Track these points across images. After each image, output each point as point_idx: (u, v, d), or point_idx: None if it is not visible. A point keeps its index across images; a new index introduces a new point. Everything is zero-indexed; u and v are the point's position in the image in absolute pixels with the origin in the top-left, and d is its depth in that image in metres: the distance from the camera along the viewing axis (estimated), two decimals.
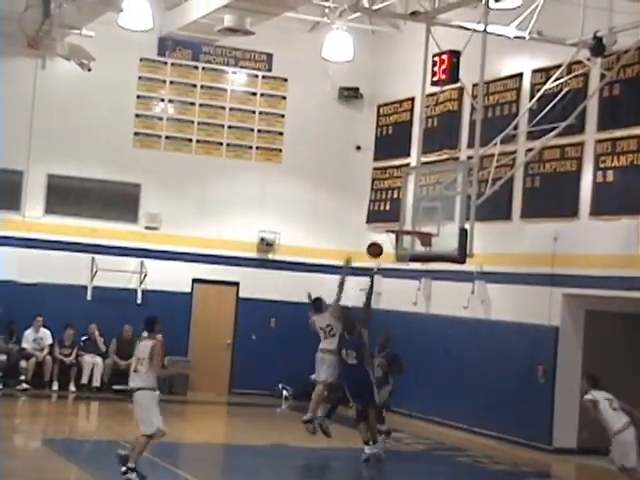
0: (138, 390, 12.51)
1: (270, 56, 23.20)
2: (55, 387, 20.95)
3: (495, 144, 16.89)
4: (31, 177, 21.58)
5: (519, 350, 18.16)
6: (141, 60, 22.53)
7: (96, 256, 21.73)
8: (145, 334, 12.88)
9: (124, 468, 12.29)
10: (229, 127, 23.18)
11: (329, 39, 21.31)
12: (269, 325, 22.92)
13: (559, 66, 17.29)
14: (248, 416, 20.61)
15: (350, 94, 23.62)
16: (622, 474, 14.08)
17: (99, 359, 21.40)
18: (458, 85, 17.62)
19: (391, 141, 22.73)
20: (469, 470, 16.29)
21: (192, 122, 22.91)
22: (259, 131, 23.38)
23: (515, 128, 17.57)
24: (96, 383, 21.22)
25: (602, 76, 16.76)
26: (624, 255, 16.38)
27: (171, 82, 22.83)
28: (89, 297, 21.76)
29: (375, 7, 17.29)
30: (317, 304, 16.69)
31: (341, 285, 16.49)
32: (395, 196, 21.59)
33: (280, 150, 23.48)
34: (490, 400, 18.47)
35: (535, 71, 18.73)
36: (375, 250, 16.07)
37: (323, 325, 16.36)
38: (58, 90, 21.51)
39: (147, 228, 22.43)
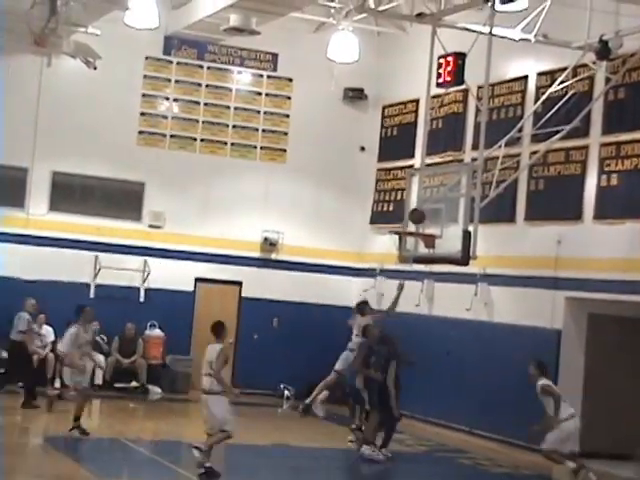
0: (207, 394, 13.01)
1: (275, 56, 23.18)
2: (57, 384, 20.94)
3: (500, 146, 16.84)
4: (35, 174, 21.60)
5: (521, 353, 18.07)
6: (146, 59, 22.55)
7: (99, 254, 21.76)
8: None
9: (202, 470, 12.93)
10: (234, 126, 23.18)
11: (334, 40, 21.28)
12: (271, 325, 22.91)
13: (564, 69, 17.25)
14: (250, 415, 20.56)
15: (355, 95, 23.62)
16: (547, 458, 15.01)
17: (101, 357, 21.40)
18: (463, 87, 17.52)
19: (395, 142, 22.71)
20: (470, 472, 16.30)
21: (197, 121, 22.91)
22: (263, 131, 23.37)
23: (520, 131, 17.56)
24: (98, 381, 21.24)
25: (607, 79, 16.75)
26: (628, 259, 16.37)
27: (176, 81, 22.84)
28: (92, 295, 21.77)
29: (381, 8, 17.30)
30: (362, 307, 17.54)
31: (395, 302, 17.46)
32: (399, 197, 21.58)
33: (284, 150, 23.48)
34: (492, 402, 18.44)
35: (540, 74, 18.71)
36: (417, 215, 15.75)
37: (362, 323, 16.93)
38: (63, 88, 21.53)
39: (151, 226, 22.43)
